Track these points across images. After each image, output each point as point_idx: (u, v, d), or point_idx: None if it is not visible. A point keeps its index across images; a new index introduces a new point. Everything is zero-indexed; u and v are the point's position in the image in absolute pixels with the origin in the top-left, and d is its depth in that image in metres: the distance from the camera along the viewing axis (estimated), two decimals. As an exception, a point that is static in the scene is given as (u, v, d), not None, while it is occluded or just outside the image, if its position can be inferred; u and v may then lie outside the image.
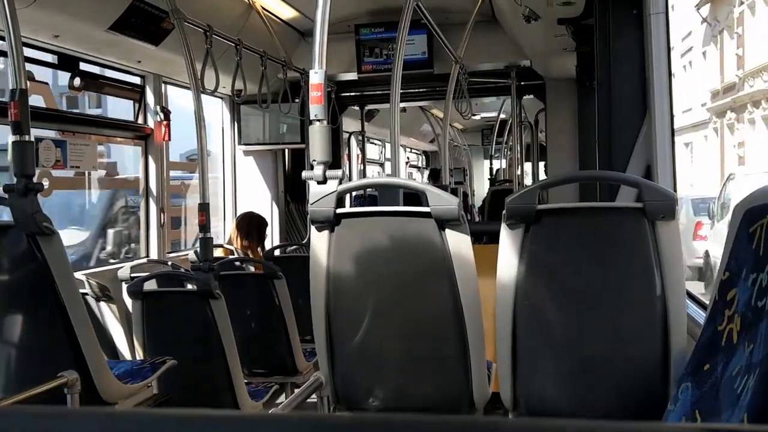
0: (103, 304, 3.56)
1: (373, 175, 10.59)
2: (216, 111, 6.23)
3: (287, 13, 5.41)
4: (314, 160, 2.17)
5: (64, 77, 4.34)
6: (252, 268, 4.38)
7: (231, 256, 4.68)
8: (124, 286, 3.64)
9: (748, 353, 1.16)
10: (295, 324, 3.91)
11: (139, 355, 3.54)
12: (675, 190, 2.99)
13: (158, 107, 4.95)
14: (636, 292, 2.09)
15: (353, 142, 8.88)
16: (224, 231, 6.01)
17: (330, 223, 2.22)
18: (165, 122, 4.97)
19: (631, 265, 2.09)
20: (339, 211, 2.22)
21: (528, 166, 9.49)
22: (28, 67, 3.91)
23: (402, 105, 7.94)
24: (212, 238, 3.70)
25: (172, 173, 5.32)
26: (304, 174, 2.18)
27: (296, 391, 2.79)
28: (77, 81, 4.30)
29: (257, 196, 6.44)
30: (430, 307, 2.32)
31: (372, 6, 5.63)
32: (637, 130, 3.17)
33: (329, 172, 2.18)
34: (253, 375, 4.03)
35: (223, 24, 4.49)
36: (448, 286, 2.21)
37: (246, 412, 3.22)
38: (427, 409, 2.33)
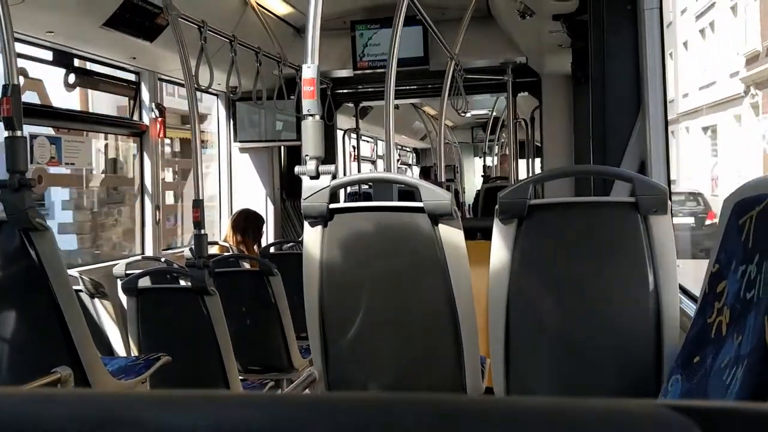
0: (97, 300, 3.56)
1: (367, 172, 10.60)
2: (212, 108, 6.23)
3: (282, 9, 5.41)
4: (307, 155, 2.17)
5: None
6: (247, 265, 4.38)
7: (226, 253, 4.68)
8: (119, 283, 3.64)
9: (737, 345, 1.17)
10: (291, 321, 3.91)
11: (134, 351, 3.53)
12: (669, 185, 3.00)
13: (153, 104, 4.95)
14: (629, 287, 2.09)
15: (346, 139, 8.88)
16: (220, 228, 6.01)
17: (323, 218, 2.22)
18: (160, 119, 4.96)
19: (623, 259, 2.09)
20: (332, 206, 2.22)
21: (523, 164, 9.49)
22: (23, 63, 3.91)
23: (397, 102, 7.95)
24: (207, 234, 3.70)
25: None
26: (297, 169, 2.18)
27: (290, 386, 2.80)
28: (72, 78, 4.30)
29: (253, 193, 6.43)
30: (423, 301, 2.32)
31: (367, 2, 5.63)
32: (631, 126, 3.17)
33: (322, 167, 2.18)
34: (249, 372, 4.03)
35: (218, 20, 4.48)
36: (441, 281, 2.21)
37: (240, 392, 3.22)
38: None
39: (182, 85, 4.25)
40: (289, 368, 3.98)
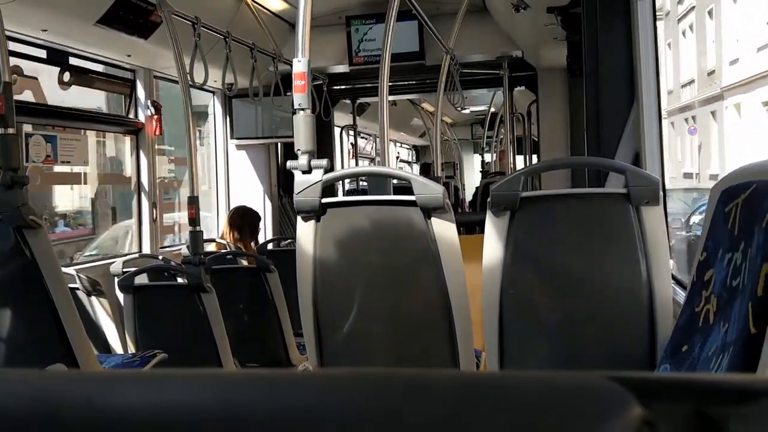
0: (94, 298, 3.56)
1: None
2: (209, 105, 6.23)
3: (277, 5, 5.40)
4: (299, 150, 2.17)
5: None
6: (244, 262, 4.38)
7: (223, 250, 4.68)
8: (116, 281, 3.64)
9: (723, 333, 1.17)
10: (288, 317, 3.92)
11: (131, 349, 3.54)
12: (663, 177, 3.00)
13: (149, 101, 4.94)
14: (622, 278, 2.09)
15: (344, 136, 8.88)
16: (217, 225, 6.01)
17: (315, 212, 2.22)
18: (156, 116, 4.96)
19: (616, 250, 2.09)
20: (324, 200, 2.22)
21: (520, 158, 9.49)
22: (17, 61, 3.90)
23: (393, 98, 7.94)
24: (202, 231, 3.70)
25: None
26: (289, 164, 2.18)
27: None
28: (67, 76, 4.30)
29: (250, 190, 6.43)
30: (417, 295, 2.33)
31: (362, -3, 5.62)
32: (625, 118, 3.17)
33: (314, 162, 2.18)
34: (246, 368, 4.04)
35: (213, 16, 4.48)
36: (435, 274, 2.21)
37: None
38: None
39: (177, 82, 4.25)
40: (287, 364, 3.98)
